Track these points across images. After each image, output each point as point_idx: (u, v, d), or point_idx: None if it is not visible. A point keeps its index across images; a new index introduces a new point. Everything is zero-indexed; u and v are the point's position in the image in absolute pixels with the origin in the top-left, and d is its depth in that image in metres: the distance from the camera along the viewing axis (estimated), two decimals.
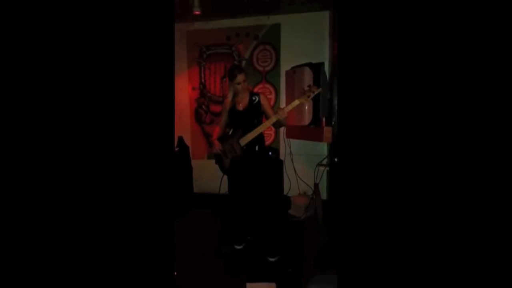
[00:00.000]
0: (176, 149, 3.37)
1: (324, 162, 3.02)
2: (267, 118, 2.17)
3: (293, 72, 2.74)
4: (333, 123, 2.27)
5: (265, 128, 2.10)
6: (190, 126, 3.66)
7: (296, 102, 2.02)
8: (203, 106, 3.60)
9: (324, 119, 2.51)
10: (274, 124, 2.12)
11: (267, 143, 3.34)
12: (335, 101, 2.18)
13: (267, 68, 3.37)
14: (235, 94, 2.18)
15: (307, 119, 2.59)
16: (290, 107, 2.02)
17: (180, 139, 3.45)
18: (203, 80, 3.56)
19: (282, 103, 3.30)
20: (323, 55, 3.12)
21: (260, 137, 2.18)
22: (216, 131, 2.31)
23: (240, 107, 2.18)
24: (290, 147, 3.25)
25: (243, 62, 3.41)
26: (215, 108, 3.55)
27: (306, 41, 3.19)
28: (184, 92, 3.61)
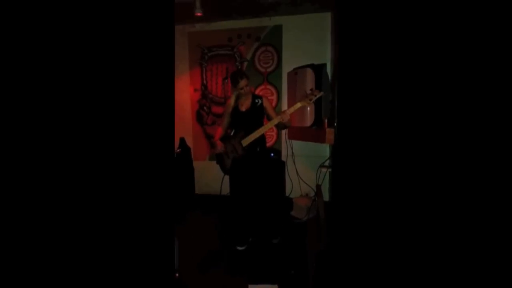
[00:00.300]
0: (178, 151, 3.37)
1: (327, 163, 3.01)
2: (269, 119, 2.21)
3: (295, 73, 2.73)
4: (335, 124, 2.29)
5: (267, 129, 2.15)
6: (191, 128, 3.66)
7: (298, 104, 2.06)
8: (205, 108, 3.59)
9: (326, 121, 2.50)
10: (277, 126, 2.17)
11: (269, 144, 3.34)
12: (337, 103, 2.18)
13: (269, 69, 3.36)
14: (238, 97, 2.23)
15: (309, 120, 2.59)
16: (292, 109, 2.06)
17: (182, 140, 3.45)
18: (204, 82, 3.56)
19: (284, 104, 3.29)
20: (325, 56, 3.12)
21: (262, 139, 2.22)
22: (218, 132, 2.33)
23: (243, 108, 2.23)
24: (292, 149, 3.25)
25: (245, 64, 3.41)
26: (217, 109, 3.55)
27: (308, 43, 3.19)
28: (185, 94, 3.62)
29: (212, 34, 3.43)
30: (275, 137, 3.47)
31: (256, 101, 2.22)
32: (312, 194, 3.21)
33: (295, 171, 3.29)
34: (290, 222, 2.88)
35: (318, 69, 2.55)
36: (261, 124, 2.17)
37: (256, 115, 2.21)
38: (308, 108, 2.53)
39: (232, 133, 2.32)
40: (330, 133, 2.35)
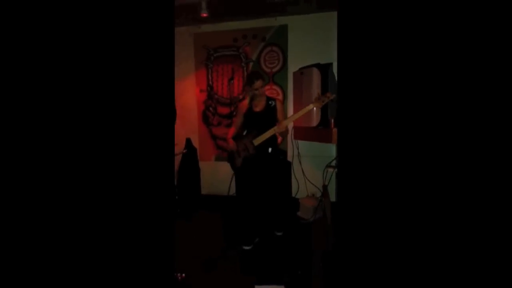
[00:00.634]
0: (184, 151, 3.39)
1: (333, 163, 2.99)
2: (277, 121, 2.28)
3: (301, 73, 2.72)
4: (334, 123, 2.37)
5: (267, 137, 2.22)
6: (197, 128, 3.67)
7: (311, 106, 2.17)
8: (211, 108, 3.60)
9: (332, 120, 2.49)
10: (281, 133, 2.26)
11: None
12: None
13: (275, 70, 3.35)
14: (253, 98, 2.28)
15: (315, 120, 2.57)
16: (301, 113, 2.19)
17: (188, 141, 3.46)
18: (210, 82, 3.57)
19: (290, 105, 3.28)
20: (331, 56, 3.09)
21: (274, 139, 2.29)
22: (231, 131, 2.39)
23: (257, 109, 2.30)
24: (298, 149, 3.23)
25: (250, 64, 3.41)
26: (222, 110, 3.56)
27: (314, 42, 3.17)
28: (191, 94, 3.63)
29: (217, 35, 3.44)
30: (280, 138, 3.45)
31: (270, 102, 2.30)
32: (318, 194, 3.18)
33: (301, 172, 3.27)
34: (296, 222, 2.87)
35: (324, 69, 2.53)
36: (273, 125, 2.23)
37: (269, 116, 2.28)
38: (314, 108, 2.52)
39: (244, 133, 2.38)
40: (336, 133, 2.33)
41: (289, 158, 3.20)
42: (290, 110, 3.24)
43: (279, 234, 2.53)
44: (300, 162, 3.26)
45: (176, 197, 3.30)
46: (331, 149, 3.19)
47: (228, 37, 3.41)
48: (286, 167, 2.98)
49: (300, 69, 2.78)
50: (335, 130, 2.35)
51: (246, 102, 2.33)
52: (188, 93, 3.62)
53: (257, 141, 2.25)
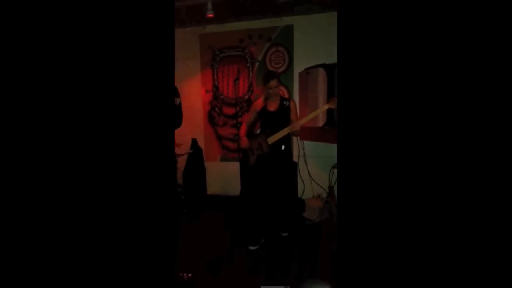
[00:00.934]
0: (190, 151, 3.40)
1: None
2: (290, 121, 2.37)
3: (307, 73, 2.71)
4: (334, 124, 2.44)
5: (281, 136, 2.30)
6: (203, 128, 3.68)
7: (325, 107, 2.25)
8: (216, 109, 3.61)
9: None
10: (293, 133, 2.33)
11: None
12: None
13: (280, 70, 3.35)
14: (267, 97, 2.34)
15: (321, 120, 2.56)
16: (314, 114, 2.27)
17: (194, 141, 3.48)
18: (216, 83, 3.58)
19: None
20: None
21: (287, 138, 2.36)
22: (243, 128, 2.44)
23: (272, 108, 2.36)
24: (303, 149, 3.22)
25: (256, 64, 3.41)
26: (228, 110, 3.56)
27: (320, 42, 3.16)
28: (197, 95, 3.64)
29: (223, 36, 3.44)
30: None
31: (284, 103, 2.35)
32: (324, 195, 3.17)
33: (307, 172, 3.26)
34: (302, 223, 2.86)
35: (330, 69, 2.52)
36: (287, 125, 2.30)
37: (283, 116, 2.34)
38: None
39: (258, 132, 2.45)
40: None
41: (295, 159, 3.19)
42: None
43: (284, 235, 2.53)
44: (305, 163, 3.25)
45: (182, 197, 3.32)
46: None
47: (234, 38, 3.42)
48: (292, 168, 2.97)
49: (306, 69, 2.77)
50: None
51: (260, 100, 2.39)
52: (194, 94, 3.64)
53: (271, 140, 2.32)
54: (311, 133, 2.82)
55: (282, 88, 3.36)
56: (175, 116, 2.36)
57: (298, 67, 3.15)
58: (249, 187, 2.51)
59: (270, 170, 2.37)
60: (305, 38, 3.23)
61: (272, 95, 2.30)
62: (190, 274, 1.90)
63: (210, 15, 2.95)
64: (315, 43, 3.18)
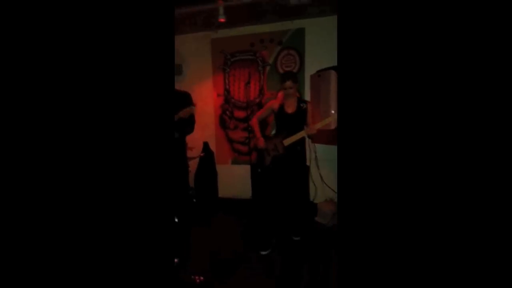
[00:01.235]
0: (202, 154, 3.43)
1: None
2: (306, 124, 2.40)
3: (318, 75, 2.69)
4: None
5: (297, 138, 2.32)
6: (214, 132, 3.71)
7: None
8: (227, 112, 3.63)
9: None
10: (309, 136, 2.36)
11: None
12: None
13: None
14: (285, 97, 2.38)
15: (333, 123, 2.53)
16: (332, 117, 2.28)
17: (205, 144, 3.50)
18: (227, 87, 3.60)
19: None
20: None
21: (302, 140, 2.38)
22: (255, 122, 2.46)
23: (289, 110, 2.38)
24: (315, 152, 3.19)
25: (267, 68, 3.42)
26: (239, 113, 3.58)
27: (332, 45, 3.13)
28: (209, 99, 3.67)
29: (234, 40, 3.47)
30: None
31: (301, 105, 2.37)
32: (336, 199, 3.13)
33: (319, 176, 3.22)
34: (314, 227, 2.83)
35: None
36: (303, 127, 2.33)
37: (300, 118, 2.37)
38: (333, 111, 2.48)
39: (273, 133, 2.48)
40: None
41: (307, 162, 3.16)
42: None
43: (296, 239, 2.50)
44: (317, 166, 3.21)
45: (194, 200, 3.34)
46: None
47: (245, 42, 3.44)
48: (305, 171, 2.95)
49: (318, 71, 2.75)
50: None
51: (278, 101, 2.41)
52: (206, 98, 3.67)
53: (287, 141, 2.33)
54: (323, 136, 2.79)
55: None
56: (189, 123, 2.38)
57: (310, 70, 3.13)
58: (261, 190, 2.50)
59: (284, 172, 2.37)
60: (316, 40, 3.22)
61: (289, 96, 2.33)
62: (202, 277, 1.90)
63: (222, 20, 2.99)
64: (327, 45, 3.16)
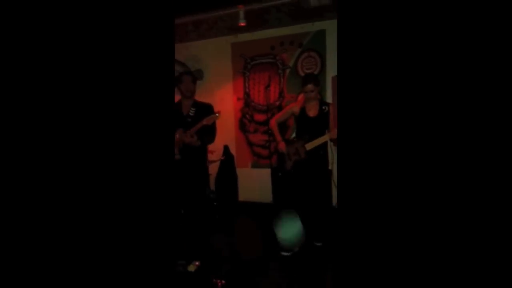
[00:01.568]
0: (222, 158, 3.44)
1: None
2: (328, 127, 2.32)
3: None
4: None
5: (320, 143, 2.25)
6: (234, 136, 3.72)
7: None
8: (247, 116, 3.64)
9: None
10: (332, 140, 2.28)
11: None
12: None
13: None
14: (306, 101, 2.31)
15: None
16: None
17: (226, 148, 3.51)
18: (247, 90, 3.61)
19: None
20: None
21: (324, 144, 2.30)
22: (274, 124, 2.42)
23: (311, 114, 2.31)
24: (337, 156, 3.11)
25: (287, 71, 3.39)
26: (259, 117, 3.57)
27: None
28: (229, 103, 3.70)
29: (254, 43, 3.48)
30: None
31: (323, 108, 2.29)
32: None
33: None
34: (336, 232, 2.74)
35: None
36: (325, 130, 2.25)
37: (323, 121, 2.28)
38: None
39: (292, 136, 2.44)
40: None
41: (329, 166, 3.09)
42: None
43: (318, 244, 2.43)
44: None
45: (215, 203, 3.35)
46: None
47: (265, 45, 3.44)
48: (327, 175, 2.88)
49: None
50: None
51: (299, 103, 2.36)
52: (226, 102, 3.69)
53: (310, 146, 2.26)
54: None
55: None
56: (210, 131, 2.37)
57: (331, 72, 3.08)
58: (282, 195, 2.45)
59: (306, 177, 2.30)
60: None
61: (310, 99, 2.27)
62: (223, 281, 1.88)
63: (243, 24, 3.00)
64: None
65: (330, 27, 3.18)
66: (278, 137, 2.38)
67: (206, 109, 2.33)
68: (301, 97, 2.42)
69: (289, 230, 2.16)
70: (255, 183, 3.59)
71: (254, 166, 3.65)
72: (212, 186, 3.41)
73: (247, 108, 3.63)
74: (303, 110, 2.32)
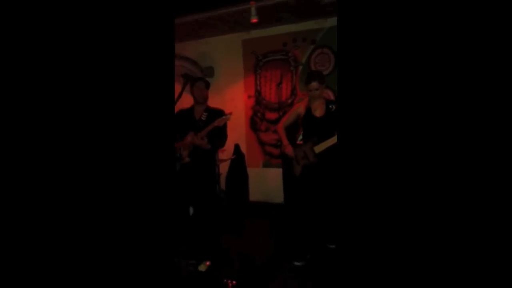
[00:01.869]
0: (233, 157, 3.39)
1: None
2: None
3: None
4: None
5: (335, 141, 2.03)
6: (245, 134, 3.67)
7: None
8: (258, 114, 3.58)
9: None
10: None
11: None
12: None
13: (326, 72, 3.21)
14: (311, 100, 2.15)
15: None
16: None
17: (237, 147, 3.46)
18: (258, 88, 3.56)
19: None
20: None
21: (336, 145, 2.07)
22: (281, 128, 2.27)
23: (317, 114, 2.14)
24: None
25: (300, 67, 3.32)
26: (271, 115, 3.51)
27: None
28: (240, 101, 3.65)
29: (266, 40, 3.43)
30: None
31: (330, 106, 2.12)
32: None
33: None
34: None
35: None
36: (335, 131, 2.04)
37: (331, 121, 2.08)
38: None
39: (300, 139, 2.27)
40: None
41: None
42: None
43: (332, 247, 2.33)
44: None
45: (224, 203, 3.30)
46: None
47: (277, 42, 3.38)
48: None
49: None
50: None
51: (304, 103, 2.21)
52: (237, 100, 3.65)
53: (319, 148, 2.08)
54: None
55: (328, 91, 3.21)
56: (221, 134, 2.32)
57: None
58: (294, 198, 2.33)
59: (317, 182, 2.12)
60: None
61: (315, 98, 2.11)
62: (234, 282, 1.83)
63: (255, 20, 2.95)
64: None
65: None
66: (285, 140, 2.21)
67: (218, 114, 2.30)
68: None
69: None
70: (266, 183, 3.53)
71: (266, 165, 3.59)
72: (223, 185, 3.36)
73: (258, 106, 3.57)
74: (308, 110, 2.16)
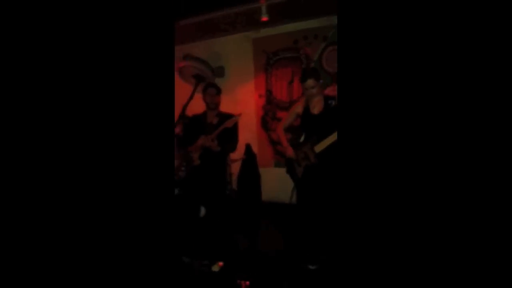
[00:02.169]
0: (244, 157, 3.37)
1: None
2: None
3: None
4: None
5: (335, 138, 1.90)
6: (256, 134, 3.64)
7: None
8: (269, 113, 3.55)
9: None
10: None
11: None
12: None
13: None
14: (308, 99, 2.05)
15: None
16: None
17: (248, 146, 3.43)
18: (269, 87, 3.52)
19: None
20: None
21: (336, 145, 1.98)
22: (280, 130, 2.21)
23: (315, 111, 2.03)
24: None
25: (311, 65, 3.27)
26: (282, 114, 3.46)
27: None
28: (250, 100, 3.62)
29: (277, 38, 3.39)
30: None
31: (329, 102, 1.98)
32: None
33: None
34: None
35: None
36: (335, 128, 1.91)
37: (330, 118, 1.94)
38: None
39: (302, 139, 2.17)
40: None
41: None
42: None
43: (312, 267, 2.19)
44: None
45: (236, 204, 3.28)
46: None
47: (288, 39, 3.34)
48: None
49: None
50: None
51: (301, 102, 2.13)
52: (248, 99, 3.63)
53: (319, 148, 1.96)
54: None
55: (334, 87, 3.14)
56: (231, 136, 2.30)
57: None
58: (303, 201, 2.24)
59: (322, 184, 2.00)
60: None
61: (313, 96, 1.98)
62: (248, 282, 1.81)
63: (265, 19, 2.93)
64: None
65: None
66: (284, 142, 2.12)
67: (229, 118, 2.31)
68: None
69: None
70: (278, 183, 3.49)
71: (277, 165, 3.55)
72: (235, 185, 3.34)
73: (269, 105, 3.54)
74: (306, 108, 2.04)
